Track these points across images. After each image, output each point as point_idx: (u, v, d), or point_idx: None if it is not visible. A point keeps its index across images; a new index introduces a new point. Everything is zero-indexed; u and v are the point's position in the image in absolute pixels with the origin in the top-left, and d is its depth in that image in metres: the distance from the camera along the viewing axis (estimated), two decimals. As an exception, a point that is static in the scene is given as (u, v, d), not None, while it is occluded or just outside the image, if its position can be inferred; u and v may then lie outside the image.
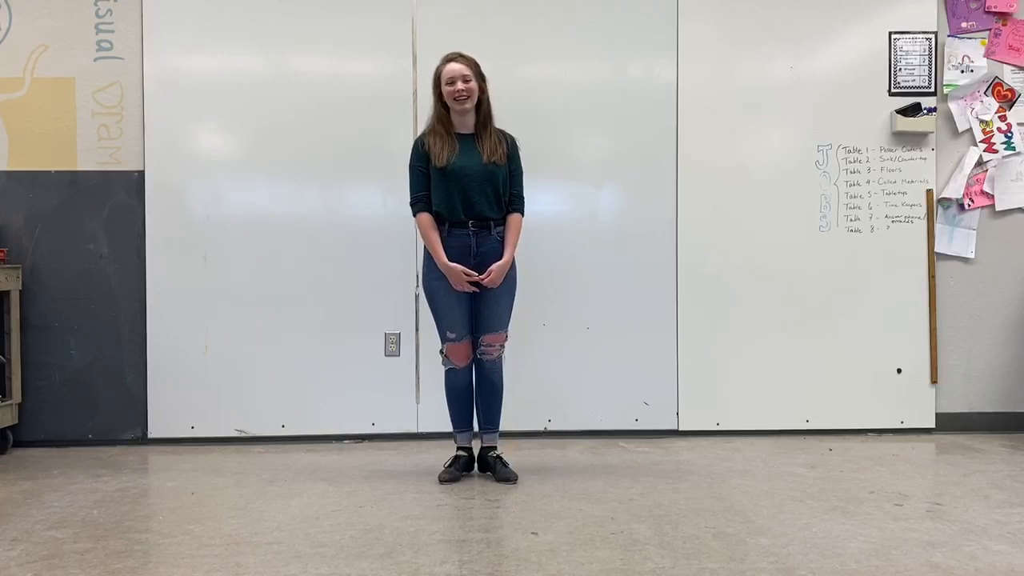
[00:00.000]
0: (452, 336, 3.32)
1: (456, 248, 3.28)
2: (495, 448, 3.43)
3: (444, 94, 3.25)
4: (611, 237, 4.19)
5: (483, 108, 3.31)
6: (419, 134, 3.41)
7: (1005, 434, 4.22)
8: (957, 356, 4.29)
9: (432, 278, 3.34)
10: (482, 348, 3.35)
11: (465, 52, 3.31)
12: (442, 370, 3.43)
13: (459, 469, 3.38)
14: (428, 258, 3.35)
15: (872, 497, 3.09)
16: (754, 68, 4.22)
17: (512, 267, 3.37)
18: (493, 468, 3.38)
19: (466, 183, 3.25)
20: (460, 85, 3.21)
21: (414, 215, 3.34)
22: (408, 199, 3.36)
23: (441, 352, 3.39)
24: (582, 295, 4.18)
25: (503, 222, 3.35)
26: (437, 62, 3.32)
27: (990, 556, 2.46)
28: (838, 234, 4.24)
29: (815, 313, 4.23)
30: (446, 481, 3.30)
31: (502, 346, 3.38)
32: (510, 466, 3.38)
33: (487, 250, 3.30)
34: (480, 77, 3.28)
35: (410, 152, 3.36)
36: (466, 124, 3.32)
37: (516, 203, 3.39)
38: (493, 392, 3.41)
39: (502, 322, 3.36)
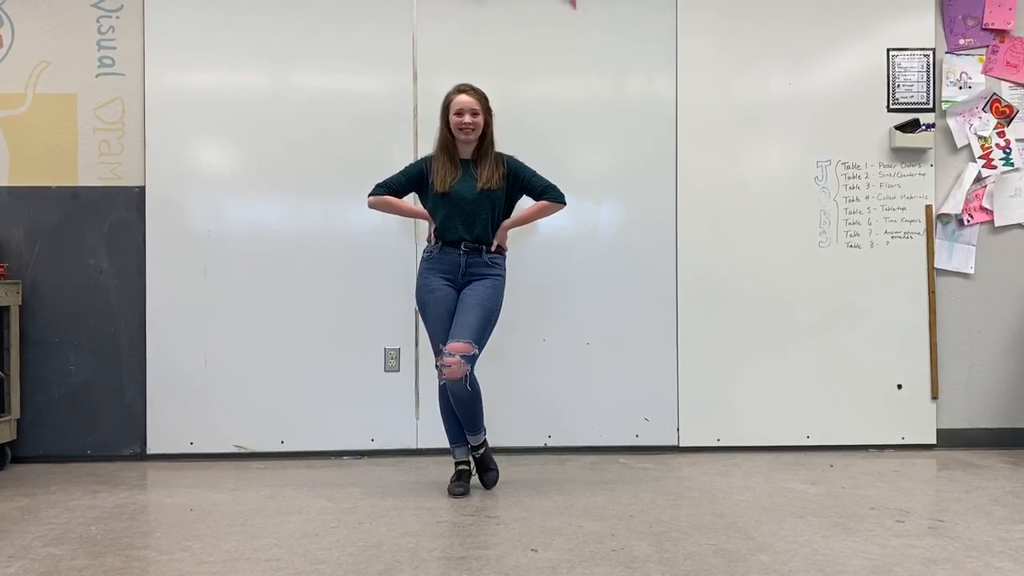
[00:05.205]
0: (444, 348, 3.33)
1: (446, 263, 3.36)
2: (480, 448, 3.48)
3: (451, 123, 3.36)
4: (611, 252, 4.20)
5: (486, 140, 3.41)
6: (429, 154, 3.48)
7: (1006, 450, 4.21)
8: (958, 372, 4.29)
9: (422, 291, 3.39)
10: (443, 360, 3.23)
11: (476, 85, 3.42)
12: (442, 385, 3.44)
13: (465, 483, 3.40)
14: (420, 273, 3.43)
15: (873, 513, 3.08)
16: (753, 84, 4.24)
17: (496, 286, 3.38)
18: (477, 469, 3.50)
19: (462, 206, 3.34)
20: (468, 118, 3.33)
21: (369, 195, 3.43)
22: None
23: (436, 366, 3.38)
24: (582, 310, 4.18)
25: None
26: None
27: (992, 573, 2.45)
28: (837, 250, 4.25)
29: (815, 329, 4.23)
30: (459, 495, 3.33)
31: (464, 360, 3.21)
32: (491, 472, 3.49)
33: (475, 270, 3.37)
34: (488, 112, 3.39)
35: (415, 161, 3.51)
36: (468, 151, 3.42)
37: (548, 192, 3.43)
38: (461, 404, 3.31)
39: (467, 330, 3.24)
